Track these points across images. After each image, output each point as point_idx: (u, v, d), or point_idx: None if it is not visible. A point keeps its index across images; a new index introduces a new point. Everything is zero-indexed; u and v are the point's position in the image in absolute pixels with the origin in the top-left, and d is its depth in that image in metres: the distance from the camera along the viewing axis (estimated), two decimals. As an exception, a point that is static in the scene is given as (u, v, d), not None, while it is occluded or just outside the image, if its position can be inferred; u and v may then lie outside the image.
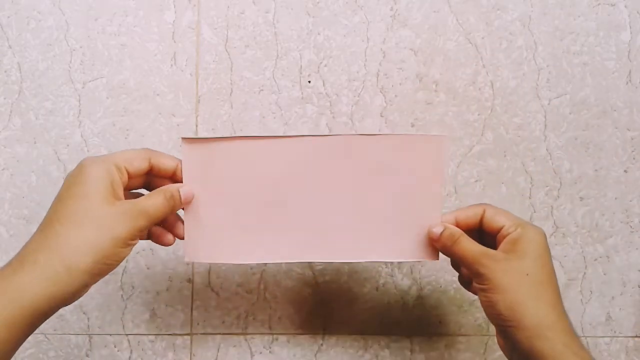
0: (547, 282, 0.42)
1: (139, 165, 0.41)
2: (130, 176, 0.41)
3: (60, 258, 0.37)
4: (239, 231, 0.45)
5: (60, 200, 0.39)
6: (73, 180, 0.39)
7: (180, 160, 0.43)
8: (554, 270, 0.42)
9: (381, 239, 0.45)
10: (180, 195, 0.42)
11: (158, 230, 0.44)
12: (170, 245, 0.44)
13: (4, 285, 0.36)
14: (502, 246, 0.42)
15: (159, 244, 0.44)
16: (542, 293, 0.41)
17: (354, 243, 0.45)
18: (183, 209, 0.44)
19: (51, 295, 0.37)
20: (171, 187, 0.42)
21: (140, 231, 0.39)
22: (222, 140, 0.44)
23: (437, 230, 0.44)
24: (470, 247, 0.42)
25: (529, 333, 0.40)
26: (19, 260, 0.37)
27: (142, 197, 0.40)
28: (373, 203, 0.45)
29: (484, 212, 0.44)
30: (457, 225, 0.44)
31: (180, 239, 0.44)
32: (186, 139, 0.43)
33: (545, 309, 0.41)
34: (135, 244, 0.40)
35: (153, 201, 0.40)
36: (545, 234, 0.42)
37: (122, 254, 0.39)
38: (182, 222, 0.44)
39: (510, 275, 0.41)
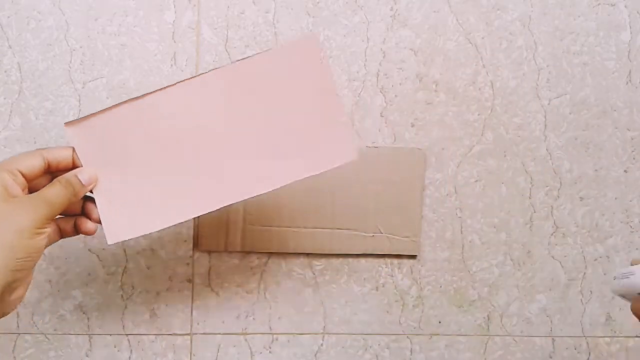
0: None
1: (32, 164, 0.40)
2: (27, 178, 0.40)
3: None
4: (153, 197, 0.44)
5: None
6: None
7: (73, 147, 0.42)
8: None
9: (295, 157, 0.44)
10: (79, 180, 0.41)
11: (79, 220, 0.43)
12: (92, 233, 0.43)
13: None
14: None
15: (83, 234, 0.43)
16: None
17: (270, 170, 0.44)
18: (92, 192, 0.43)
19: None
20: (68, 174, 0.41)
21: (45, 219, 0.39)
22: (105, 111, 0.43)
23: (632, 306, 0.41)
24: None
25: None
26: None
27: (42, 189, 0.40)
28: (275, 125, 0.44)
29: None
30: None
31: (99, 223, 0.43)
32: (68, 123, 0.43)
33: None
34: (44, 233, 0.39)
35: (51, 189, 0.40)
36: None
37: (33, 245, 0.38)
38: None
39: None
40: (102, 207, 0.43)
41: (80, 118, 0.43)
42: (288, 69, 0.44)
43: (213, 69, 0.43)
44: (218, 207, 0.43)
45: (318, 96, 0.44)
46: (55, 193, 0.40)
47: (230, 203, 0.43)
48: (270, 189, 0.44)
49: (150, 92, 0.43)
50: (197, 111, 0.43)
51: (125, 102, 0.43)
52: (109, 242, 0.43)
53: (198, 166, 0.44)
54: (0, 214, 0.38)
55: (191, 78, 0.43)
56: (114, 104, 0.43)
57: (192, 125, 0.43)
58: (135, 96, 0.43)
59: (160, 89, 0.43)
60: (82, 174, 0.42)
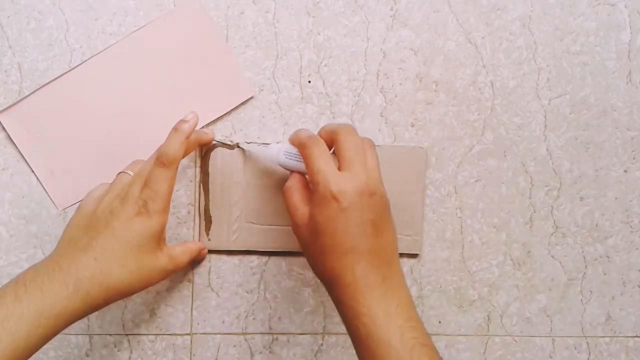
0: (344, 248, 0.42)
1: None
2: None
3: None
4: (88, 161, 0.51)
5: None
6: None
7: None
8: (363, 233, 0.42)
9: (202, 105, 0.51)
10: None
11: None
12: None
13: None
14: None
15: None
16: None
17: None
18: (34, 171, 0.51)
19: None
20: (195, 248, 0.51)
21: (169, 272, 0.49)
22: (30, 95, 0.50)
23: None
24: (291, 202, 0.45)
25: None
26: None
27: (177, 255, 0.49)
28: (180, 80, 0.51)
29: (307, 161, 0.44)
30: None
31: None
32: (1, 112, 0.50)
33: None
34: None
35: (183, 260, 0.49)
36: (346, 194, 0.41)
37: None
38: None
39: (310, 249, 0.44)
40: (45, 180, 0.51)
41: (9, 106, 0.51)
42: (179, 31, 0.51)
43: (114, 42, 0.51)
44: None
45: (210, 51, 0.52)
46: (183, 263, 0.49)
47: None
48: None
49: (69, 70, 0.51)
50: (111, 80, 0.51)
51: (48, 83, 0.51)
52: (60, 209, 0.52)
53: (121, 129, 0.51)
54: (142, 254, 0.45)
55: (99, 53, 0.51)
56: (37, 86, 0.51)
57: (109, 93, 0.51)
58: (54, 77, 0.51)
59: (78, 65, 0.51)
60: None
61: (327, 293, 0.55)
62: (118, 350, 0.54)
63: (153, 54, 0.51)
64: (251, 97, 0.53)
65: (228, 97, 0.52)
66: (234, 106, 0.53)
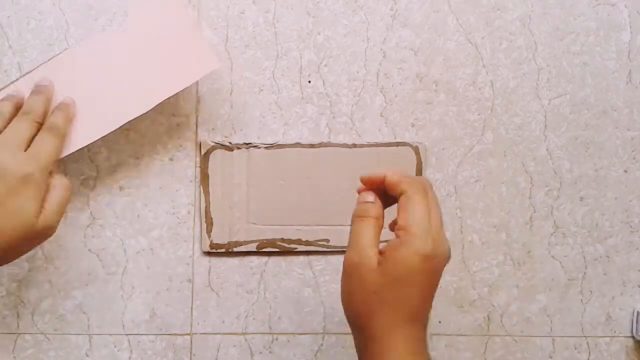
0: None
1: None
2: None
3: None
4: None
5: None
6: None
7: None
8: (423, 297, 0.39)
9: (166, 77, 0.49)
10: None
11: None
12: None
13: None
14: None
15: None
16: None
17: (147, 93, 0.49)
18: None
19: None
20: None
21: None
22: (18, 80, 0.49)
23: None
24: (356, 235, 0.40)
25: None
26: None
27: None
28: (144, 58, 0.49)
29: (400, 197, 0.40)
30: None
31: None
32: None
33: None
34: None
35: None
36: (428, 254, 0.38)
37: None
38: None
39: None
40: None
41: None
42: (151, 16, 0.49)
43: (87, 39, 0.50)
44: (102, 135, 0.49)
45: (175, 24, 0.49)
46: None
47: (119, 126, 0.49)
48: (153, 106, 0.49)
49: (41, 64, 0.49)
50: (78, 72, 0.49)
51: (29, 71, 0.49)
52: None
53: (84, 104, 0.48)
54: None
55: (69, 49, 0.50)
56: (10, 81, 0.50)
57: (75, 81, 0.48)
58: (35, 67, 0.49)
59: (47, 61, 0.49)
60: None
61: (327, 292, 0.55)
62: (118, 350, 0.54)
63: (123, 43, 0.49)
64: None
65: (190, 71, 0.49)
66: (199, 78, 0.50)
